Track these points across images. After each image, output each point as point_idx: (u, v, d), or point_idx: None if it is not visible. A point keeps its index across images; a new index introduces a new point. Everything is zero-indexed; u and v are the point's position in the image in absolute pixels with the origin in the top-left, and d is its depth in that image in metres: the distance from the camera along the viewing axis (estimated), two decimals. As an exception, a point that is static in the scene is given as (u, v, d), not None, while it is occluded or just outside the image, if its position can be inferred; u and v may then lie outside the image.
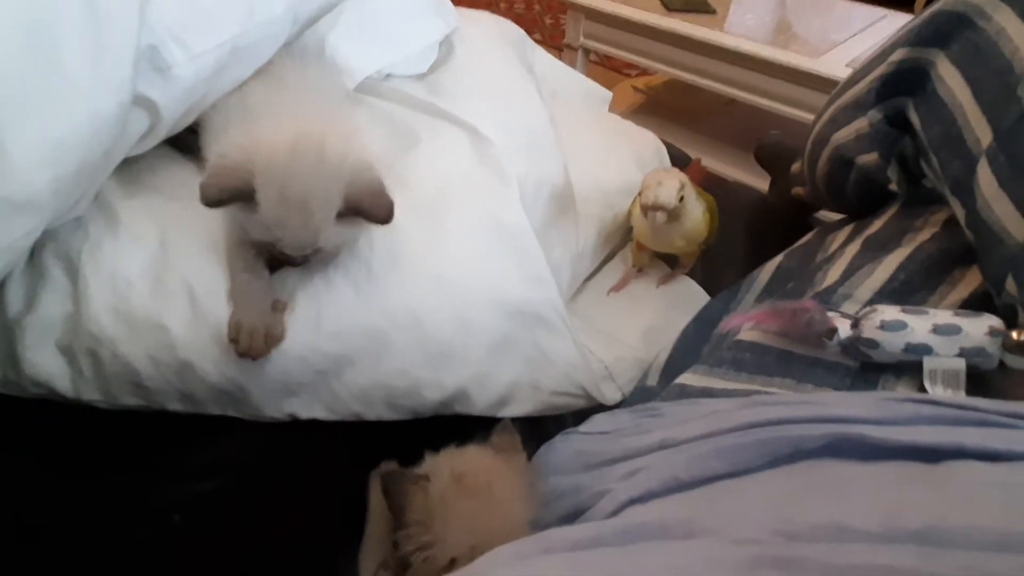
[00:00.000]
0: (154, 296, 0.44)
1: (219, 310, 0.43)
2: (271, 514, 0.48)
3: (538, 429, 0.52)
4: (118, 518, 0.46)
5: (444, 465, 0.36)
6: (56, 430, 0.47)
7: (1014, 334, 0.35)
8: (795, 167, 0.74)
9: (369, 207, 0.42)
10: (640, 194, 0.53)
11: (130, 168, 0.48)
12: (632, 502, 0.31)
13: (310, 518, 0.48)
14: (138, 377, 0.44)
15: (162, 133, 0.46)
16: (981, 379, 0.36)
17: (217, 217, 0.48)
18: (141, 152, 0.47)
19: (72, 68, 0.36)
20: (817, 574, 0.18)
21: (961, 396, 0.35)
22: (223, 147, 0.42)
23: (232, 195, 0.41)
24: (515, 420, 0.51)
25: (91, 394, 0.44)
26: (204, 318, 0.43)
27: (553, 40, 1.96)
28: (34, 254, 0.44)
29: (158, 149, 0.49)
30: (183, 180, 0.49)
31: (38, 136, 0.35)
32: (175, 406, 0.45)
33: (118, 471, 0.47)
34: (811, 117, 0.61)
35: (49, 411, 0.45)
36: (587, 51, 1.53)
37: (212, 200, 0.40)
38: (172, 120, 0.45)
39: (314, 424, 0.47)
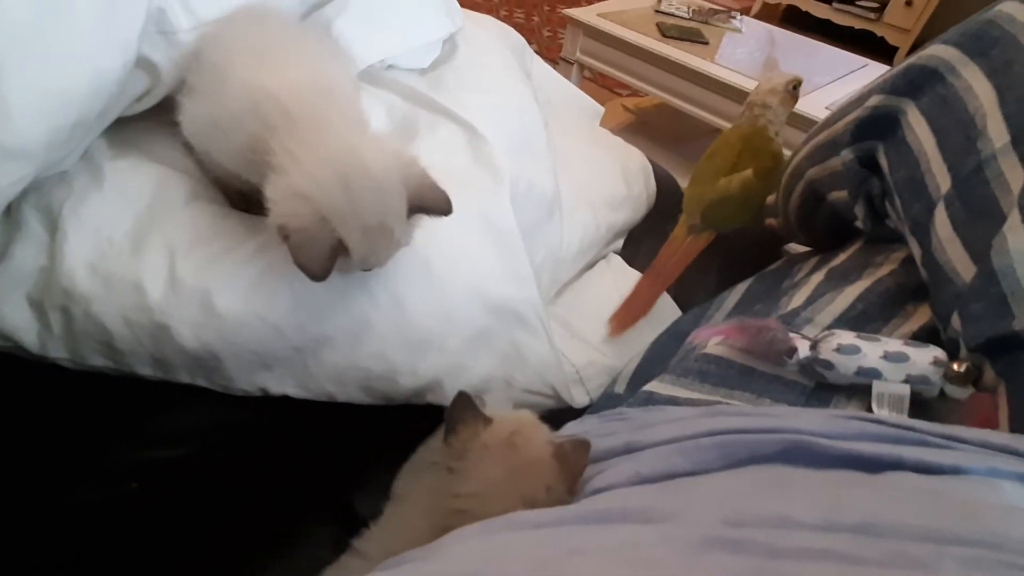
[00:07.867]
0: (135, 256, 0.43)
1: (201, 274, 0.43)
2: (231, 488, 0.47)
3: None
4: (71, 478, 0.45)
5: (508, 426, 0.36)
6: (12, 385, 0.46)
7: (955, 365, 0.38)
8: (770, 199, 0.77)
9: (431, 202, 0.40)
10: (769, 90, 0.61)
11: (121, 129, 0.47)
12: (595, 492, 0.32)
13: (271, 494, 0.47)
14: (110, 338, 0.43)
15: (159, 96, 0.46)
16: (923, 405, 0.39)
17: (204, 181, 0.48)
18: (135, 113, 0.47)
19: (82, 22, 0.36)
20: (762, 555, 0.20)
21: (904, 418, 0.37)
22: (271, 196, 0.37)
23: (333, 256, 0.37)
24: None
25: (58, 352, 0.44)
26: (184, 282, 0.43)
27: (549, 53, 1.99)
28: (11, 204, 0.43)
29: (149, 112, 0.49)
30: (172, 144, 0.49)
31: (39, 85, 0.35)
32: (145, 371, 0.45)
33: (75, 430, 0.46)
34: (788, 152, 0.65)
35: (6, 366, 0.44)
36: (582, 66, 1.56)
37: (323, 275, 0.37)
38: (171, 84, 0.45)
39: (284, 401, 0.47)
